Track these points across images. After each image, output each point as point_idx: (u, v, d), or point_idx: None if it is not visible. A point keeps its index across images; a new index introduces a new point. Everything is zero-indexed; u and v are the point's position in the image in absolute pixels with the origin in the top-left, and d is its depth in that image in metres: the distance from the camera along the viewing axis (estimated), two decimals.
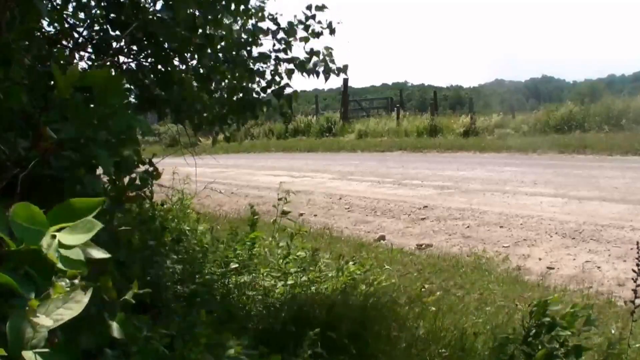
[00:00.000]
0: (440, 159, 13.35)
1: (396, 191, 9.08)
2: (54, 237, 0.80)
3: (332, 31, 3.01)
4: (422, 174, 10.64)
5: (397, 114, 21.19)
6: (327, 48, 3.01)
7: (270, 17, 2.99)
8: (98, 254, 0.84)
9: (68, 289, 0.78)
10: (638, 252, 2.26)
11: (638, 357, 2.72)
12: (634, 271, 2.25)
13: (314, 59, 2.99)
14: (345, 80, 24.36)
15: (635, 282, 2.26)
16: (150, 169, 2.32)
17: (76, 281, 0.80)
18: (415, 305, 3.02)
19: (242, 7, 2.79)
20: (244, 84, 2.94)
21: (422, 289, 3.49)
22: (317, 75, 2.99)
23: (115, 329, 1.26)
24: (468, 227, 6.48)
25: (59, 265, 0.78)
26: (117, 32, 2.59)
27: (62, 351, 0.77)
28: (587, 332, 2.24)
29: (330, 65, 2.99)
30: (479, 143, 15.03)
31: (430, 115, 19.60)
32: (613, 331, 2.96)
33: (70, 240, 0.80)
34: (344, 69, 3.04)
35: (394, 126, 19.80)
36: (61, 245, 0.79)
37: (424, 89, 59.17)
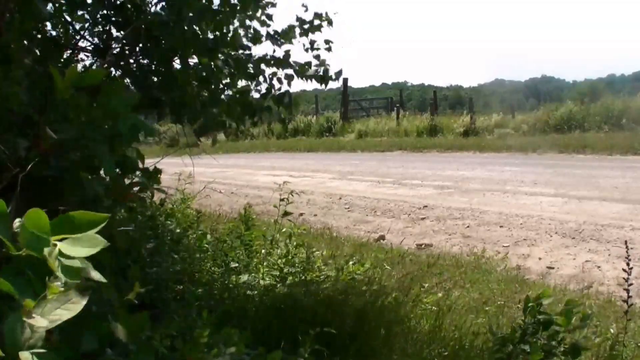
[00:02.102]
0: (440, 159, 13.36)
1: (396, 191, 9.08)
2: (54, 245, 0.80)
3: (330, 22, 3.01)
4: (422, 173, 10.64)
5: (397, 113, 21.20)
6: (326, 41, 3.00)
7: (266, 16, 2.97)
8: (96, 276, 0.84)
9: (62, 289, 0.78)
10: (627, 251, 2.27)
11: (638, 357, 2.73)
12: (624, 270, 2.26)
13: (314, 61, 2.98)
14: (345, 80, 24.39)
15: (626, 281, 2.27)
16: (151, 168, 2.31)
17: (71, 281, 0.79)
18: (415, 305, 3.02)
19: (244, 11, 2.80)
20: (244, 86, 2.93)
21: (422, 289, 3.49)
22: (317, 80, 2.98)
23: (119, 330, 1.26)
24: (468, 226, 6.48)
25: (59, 273, 0.78)
26: (119, 33, 2.59)
27: (59, 351, 0.77)
28: (584, 330, 2.24)
29: (327, 67, 2.99)
30: (479, 143, 15.04)
31: (430, 115, 19.62)
32: (612, 330, 2.96)
33: (72, 252, 0.80)
34: (337, 76, 3.03)
35: (394, 126, 19.82)
36: (62, 254, 0.79)
37: (424, 89, 59.14)
